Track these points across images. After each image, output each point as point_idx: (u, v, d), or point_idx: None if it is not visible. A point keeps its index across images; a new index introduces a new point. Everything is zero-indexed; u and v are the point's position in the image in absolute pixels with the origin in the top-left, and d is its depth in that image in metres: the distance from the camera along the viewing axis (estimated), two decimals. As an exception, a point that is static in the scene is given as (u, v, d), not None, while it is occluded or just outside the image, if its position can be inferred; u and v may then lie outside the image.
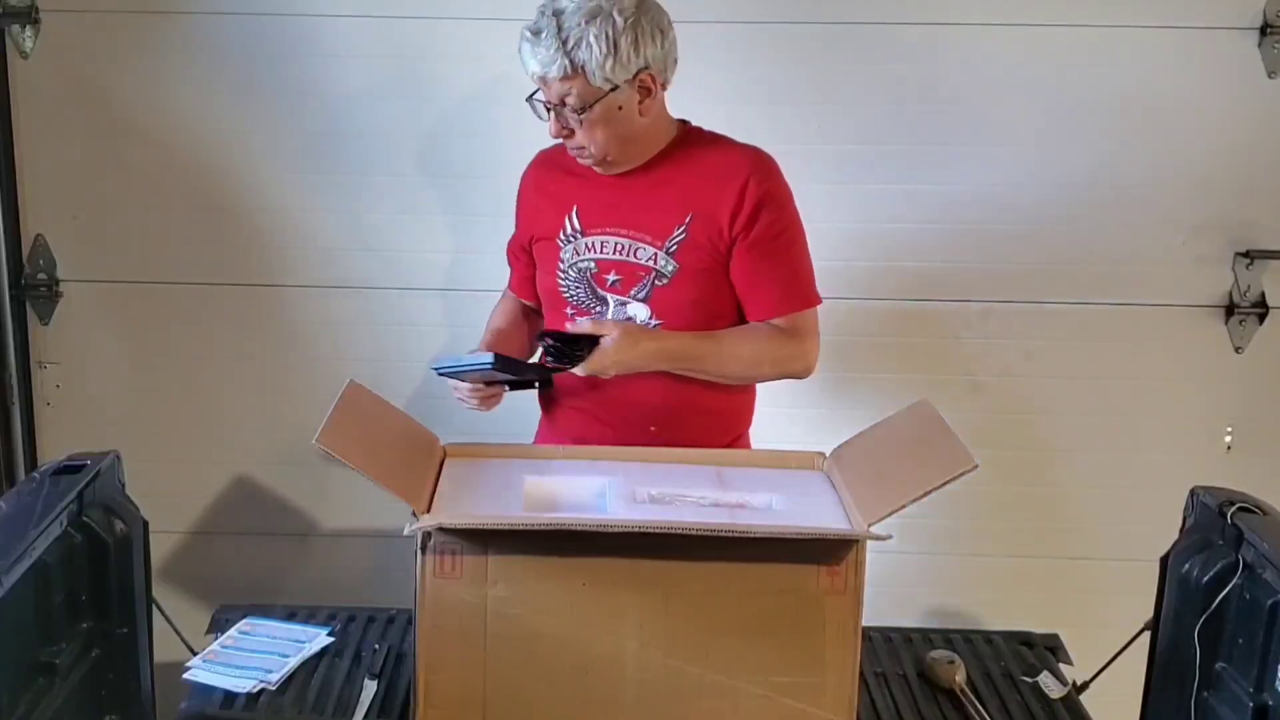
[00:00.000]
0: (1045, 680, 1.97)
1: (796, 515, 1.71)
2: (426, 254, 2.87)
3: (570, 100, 1.95)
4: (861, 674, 1.70)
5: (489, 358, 1.92)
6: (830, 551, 1.64)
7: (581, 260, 2.08)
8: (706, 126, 2.79)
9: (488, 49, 2.75)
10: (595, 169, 2.05)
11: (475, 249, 2.77)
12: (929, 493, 1.61)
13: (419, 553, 1.63)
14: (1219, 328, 2.87)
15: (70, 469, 1.83)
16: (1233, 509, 1.77)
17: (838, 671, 1.66)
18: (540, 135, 2.08)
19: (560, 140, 2.03)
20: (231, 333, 2.93)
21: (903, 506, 1.63)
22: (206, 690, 1.84)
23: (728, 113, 2.78)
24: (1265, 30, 2.70)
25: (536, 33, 1.93)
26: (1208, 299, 2.86)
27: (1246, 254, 2.81)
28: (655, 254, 2.04)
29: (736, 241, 2.03)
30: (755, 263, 2.04)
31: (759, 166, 2.06)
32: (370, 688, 1.85)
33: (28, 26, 2.77)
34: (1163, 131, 2.78)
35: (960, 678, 1.93)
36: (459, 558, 1.63)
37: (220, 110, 2.82)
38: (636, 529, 1.59)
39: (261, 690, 1.84)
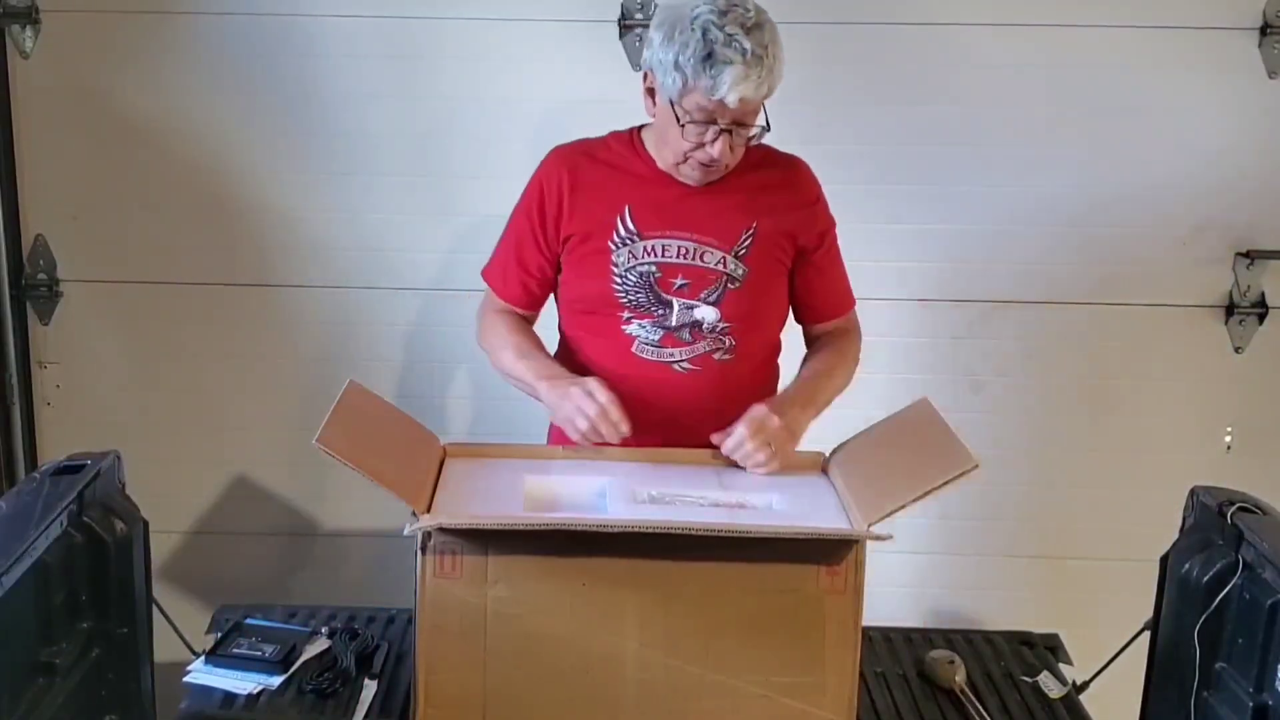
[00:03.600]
0: (1045, 680, 1.97)
1: (796, 515, 1.71)
2: (426, 254, 2.87)
3: (750, 119, 1.90)
4: (861, 674, 1.70)
5: None
6: (830, 551, 1.64)
7: (641, 264, 2.00)
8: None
9: (488, 49, 2.75)
10: (694, 182, 1.99)
11: (475, 249, 2.77)
12: (929, 493, 1.61)
13: (419, 553, 1.63)
14: (1219, 328, 2.87)
15: (70, 469, 1.83)
16: (1233, 509, 1.77)
17: (838, 671, 1.66)
18: (550, 135, 2.08)
19: (690, 152, 1.92)
20: (231, 333, 2.93)
21: (903, 506, 1.63)
22: (206, 690, 1.84)
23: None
24: (1265, 30, 2.70)
25: (756, 57, 1.81)
26: (1208, 299, 2.86)
27: (1246, 254, 2.82)
28: (723, 258, 2.01)
29: (809, 252, 2.07)
30: (823, 270, 2.11)
31: (817, 182, 2.10)
32: (370, 688, 1.85)
33: (28, 26, 2.77)
34: (1163, 131, 2.78)
35: (960, 678, 1.93)
36: (459, 558, 1.63)
37: (220, 110, 2.82)
38: (636, 529, 1.59)
39: (261, 691, 1.84)
